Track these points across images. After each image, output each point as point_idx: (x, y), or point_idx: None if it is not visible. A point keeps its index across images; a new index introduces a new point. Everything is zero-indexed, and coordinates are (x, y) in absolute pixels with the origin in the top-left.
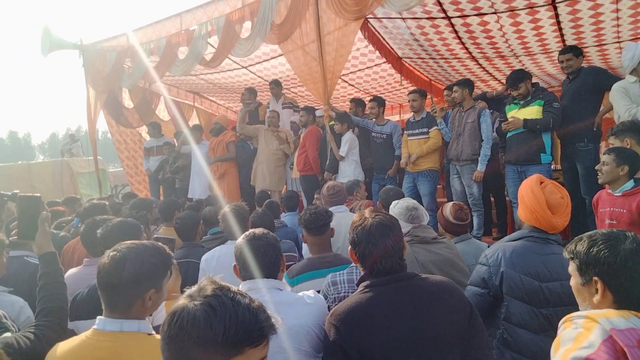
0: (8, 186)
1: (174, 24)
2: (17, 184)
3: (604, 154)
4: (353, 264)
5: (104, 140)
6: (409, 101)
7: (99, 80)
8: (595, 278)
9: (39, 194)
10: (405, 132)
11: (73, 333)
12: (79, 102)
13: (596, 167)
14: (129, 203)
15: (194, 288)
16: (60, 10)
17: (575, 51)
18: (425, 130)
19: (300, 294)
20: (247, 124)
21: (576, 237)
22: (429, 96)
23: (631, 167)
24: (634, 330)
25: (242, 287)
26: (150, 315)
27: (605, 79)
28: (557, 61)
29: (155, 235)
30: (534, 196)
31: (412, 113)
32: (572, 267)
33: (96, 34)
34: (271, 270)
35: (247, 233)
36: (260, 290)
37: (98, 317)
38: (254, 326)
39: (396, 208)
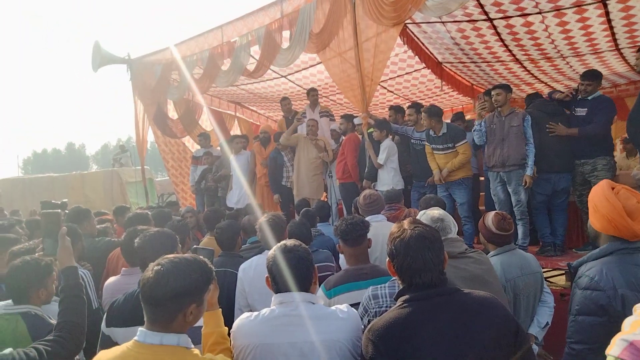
0: (64, 195)
1: (215, 36)
2: (72, 193)
3: None
4: (394, 277)
5: (152, 150)
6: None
7: (146, 92)
8: None
9: (59, 210)
10: (428, 144)
11: (109, 339)
12: (128, 114)
13: None
14: (176, 211)
15: None
16: (109, 26)
17: None
18: (450, 145)
19: (334, 307)
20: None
21: None
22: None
23: None
24: None
25: (274, 299)
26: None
27: None
28: (608, 61)
29: (195, 246)
30: (610, 204)
31: (431, 128)
32: None
33: (143, 48)
34: (303, 284)
35: (278, 245)
36: (291, 304)
37: (140, 328)
38: None
39: (422, 219)
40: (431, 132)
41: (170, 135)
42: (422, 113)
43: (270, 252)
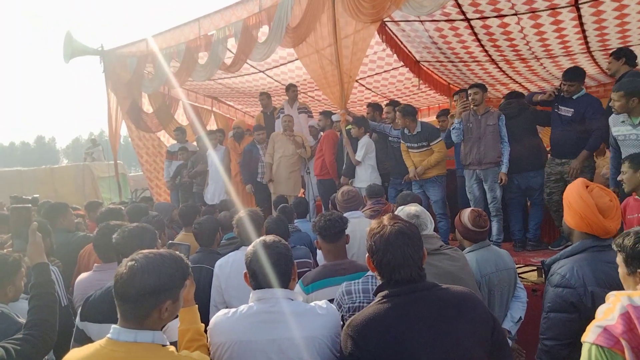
0: (33, 190)
1: (192, 29)
2: (41, 188)
3: (622, 163)
4: (369, 273)
5: (125, 144)
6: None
7: (119, 85)
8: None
9: (29, 205)
10: (403, 142)
11: (83, 333)
12: (100, 107)
13: (618, 178)
14: (150, 207)
15: None
16: (81, 16)
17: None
18: (425, 143)
19: (312, 304)
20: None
21: (624, 232)
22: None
23: None
24: None
25: (252, 295)
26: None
27: None
28: (579, 63)
29: (170, 242)
30: (583, 201)
31: (406, 126)
32: (619, 259)
33: (117, 39)
34: (282, 280)
35: (258, 240)
36: (270, 300)
37: (113, 326)
38: None
39: (394, 214)
40: (406, 131)
41: (144, 129)
42: (397, 112)
43: (249, 248)
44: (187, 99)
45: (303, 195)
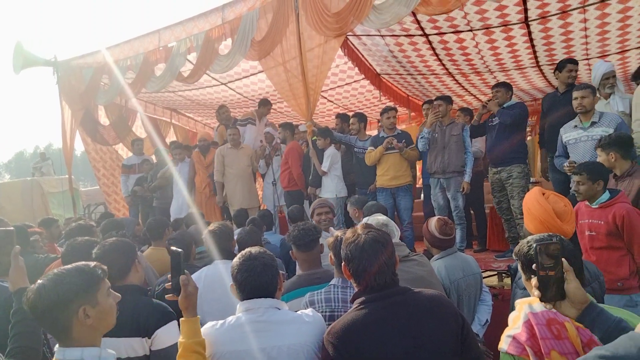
0: None
1: (152, 40)
2: None
3: (575, 174)
4: (332, 282)
5: (76, 158)
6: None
7: (74, 97)
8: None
9: (12, 228)
10: (373, 147)
11: None
12: (49, 119)
13: (573, 189)
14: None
15: None
16: (33, 27)
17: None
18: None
19: (299, 312)
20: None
21: (522, 240)
22: (405, 111)
23: (605, 180)
24: (546, 312)
25: (239, 307)
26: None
27: None
28: (530, 76)
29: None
30: (541, 207)
31: (383, 129)
32: (519, 266)
33: (71, 50)
34: (268, 290)
35: (243, 252)
36: (258, 310)
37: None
38: None
39: (367, 223)
40: (382, 134)
41: (101, 142)
42: (383, 114)
43: (235, 260)
44: (146, 111)
45: (264, 207)
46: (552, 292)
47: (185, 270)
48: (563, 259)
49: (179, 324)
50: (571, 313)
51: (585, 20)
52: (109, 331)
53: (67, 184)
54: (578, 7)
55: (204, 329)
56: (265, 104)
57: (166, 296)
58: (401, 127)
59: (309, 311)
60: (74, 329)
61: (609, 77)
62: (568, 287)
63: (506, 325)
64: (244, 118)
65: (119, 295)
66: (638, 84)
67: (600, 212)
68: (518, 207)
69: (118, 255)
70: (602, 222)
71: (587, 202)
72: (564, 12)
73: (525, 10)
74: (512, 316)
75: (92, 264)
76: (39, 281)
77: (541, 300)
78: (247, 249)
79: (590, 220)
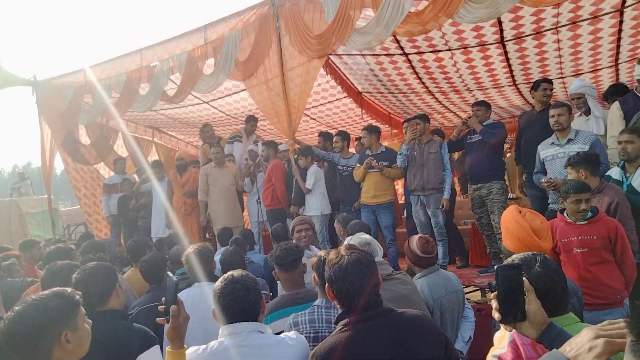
0: None
1: (134, 59)
2: None
3: (565, 192)
4: (316, 303)
5: (54, 177)
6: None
7: (55, 116)
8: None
9: None
10: (359, 166)
11: None
12: (27, 139)
13: (561, 205)
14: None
15: None
16: (12, 46)
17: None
18: (386, 164)
19: (282, 335)
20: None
21: (507, 259)
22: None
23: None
24: None
25: (222, 331)
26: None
27: None
28: (507, 94)
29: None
30: (519, 225)
31: (367, 148)
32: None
33: (51, 70)
34: (251, 314)
35: (225, 276)
36: (241, 334)
37: None
38: None
39: (350, 243)
40: (368, 152)
41: (82, 161)
42: (363, 131)
43: (217, 284)
44: (127, 129)
45: (248, 226)
46: (512, 314)
47: (180, 299)
48: (524, 279)
49: (161, 348)
50: (531, 334)
51: (558, 41)
52: (91, 358)
53: (46, 204)
54: (551, 28)
55: (187, 354)
56: (250, 120)
57: (157, 319)
58: (385, 143)
59: (292, 334)
60: (53, 356)
61: (574, 99)
62: (529, 308)
63: (489, 340)
64: (231, 136)
65: (91, 321)
66: (610, 103)
67: (589, 228)
68: (498, 222)
69: (99, 280)
70: (595, 237)
71: (568, 220)
72: (537, 33)
73: (501, 30)
74: (497, 335)
75: (69, 289)
76: (16, 308)
77: (500, 322)
78: (229, 272)
79: (579, 237)
